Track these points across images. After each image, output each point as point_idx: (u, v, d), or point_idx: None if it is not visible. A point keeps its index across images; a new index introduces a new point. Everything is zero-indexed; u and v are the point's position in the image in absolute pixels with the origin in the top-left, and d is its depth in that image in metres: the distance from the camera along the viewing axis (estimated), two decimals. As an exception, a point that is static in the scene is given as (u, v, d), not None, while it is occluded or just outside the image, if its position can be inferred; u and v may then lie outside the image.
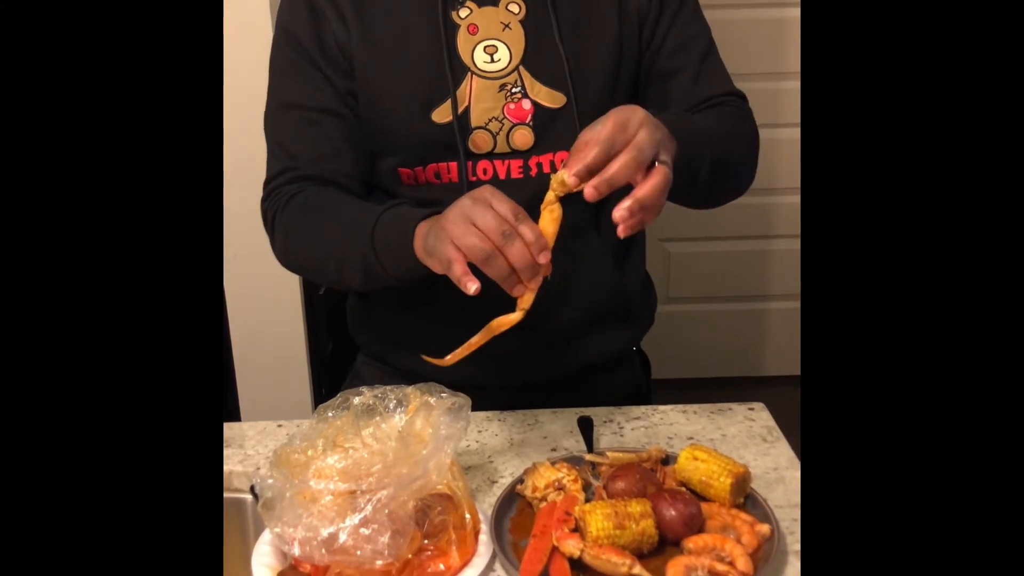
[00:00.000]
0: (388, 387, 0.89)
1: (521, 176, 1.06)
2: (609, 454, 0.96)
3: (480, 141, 1.05)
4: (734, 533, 0.85)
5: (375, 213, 0.96)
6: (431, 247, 0.87)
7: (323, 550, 0.78)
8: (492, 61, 1.05)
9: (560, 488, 0.90)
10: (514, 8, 1.06)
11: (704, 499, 0.89)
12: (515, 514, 0.91)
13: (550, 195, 0.87)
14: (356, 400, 0.88)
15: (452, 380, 0.90)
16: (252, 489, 0.99)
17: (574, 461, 0.95)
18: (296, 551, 0.79)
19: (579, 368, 1.16)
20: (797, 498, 0.93)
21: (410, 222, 0.91)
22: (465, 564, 0.83)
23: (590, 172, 0.84)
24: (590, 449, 1.01)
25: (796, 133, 0.71)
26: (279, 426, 1.11)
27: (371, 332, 1.22)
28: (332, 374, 1.75)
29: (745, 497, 0.90)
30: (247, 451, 1.06)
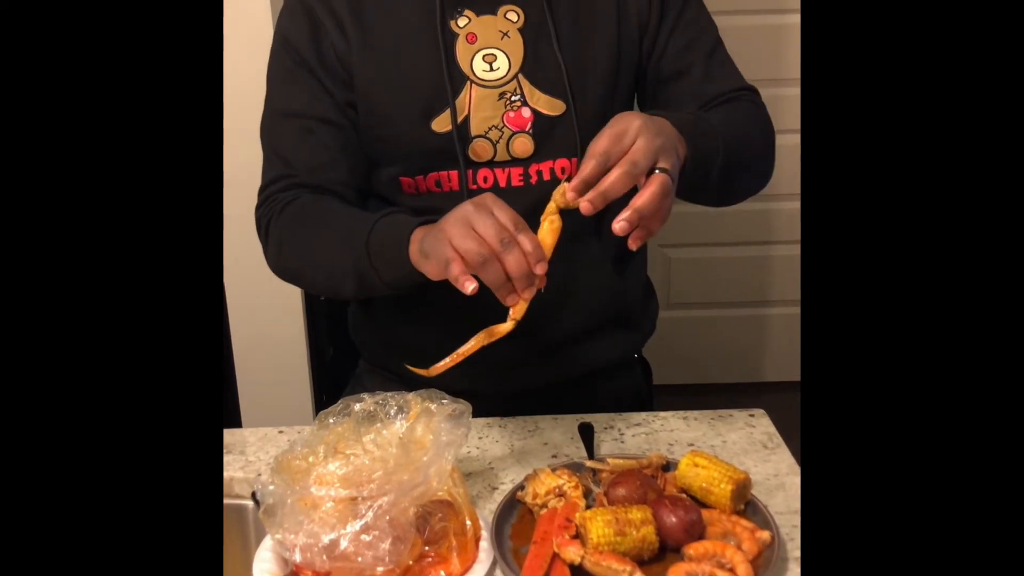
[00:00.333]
0: (389, 393, 0.89)
1: (521, 184, 1.07)
2: (610, 460, 0.96)
3: (480, 150, 1.06)
4: (735, 540, 0.85)
5: (371, 219, 0.96)
6: (428, 248, 0.87)
7: (324, 556, 0.78)
8: (491, 70, 1.05)
9: (561, 495, 0.90)
10: (512, 16, 1.06)
11: (705, 506, 0.89)
12: (516, 520, 0.91)
13: (551, 206, 0.88)
14: (357, 406, 0.88)
15: (453, 387, 0.90)
16: (253, 495, 0.99)
17: (575, 467, 0.95)
18: (297, 557, 0.80)
19: (580, 375, 1.16)
20: (798, 504, 0.93)
21: (406, 228, 0.92)
22: (466, 570, 0.83)
23: (587, 186, 0.85)
24: (591, 455, 1.02)
25: (797, 139, 0.71)
26: (280, 432, 1.11)
27: (372, 337, 1.22)
28: (333, 380, 1.75)
29: (746, 504, 0.90)
30: (248, 457, 1.06)
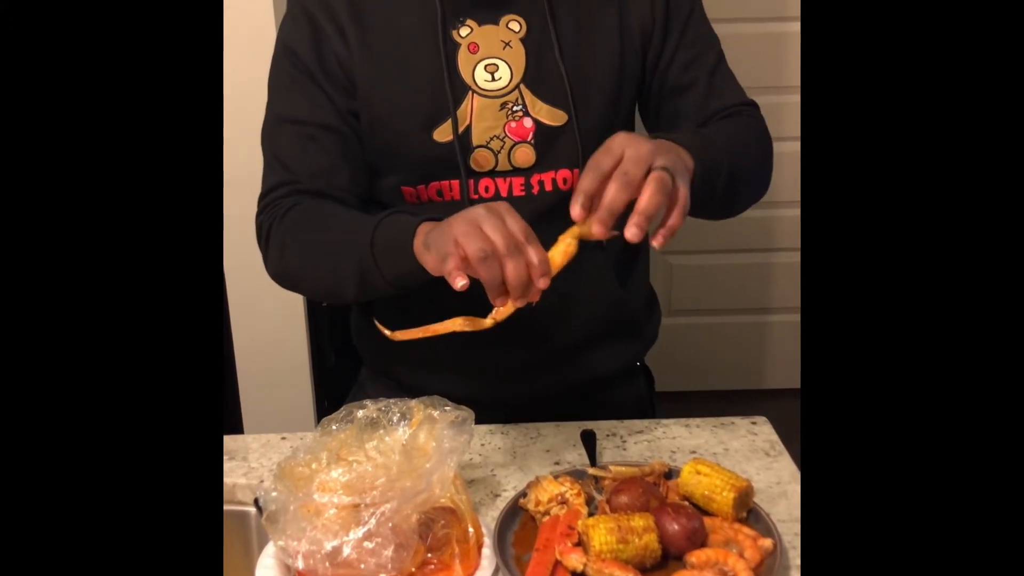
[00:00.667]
0: (392, 400, 0.89)
1: (523, 194, 1.07)
2: (612, 468, 0.96)
3: (481, 159, 1.06)
4: (737, 547, 0.85)
5: (375, 217, 0.96)
6: (432, 240, 0.86)
7: (327, 563, 0.78)
8: (493, 79, 1.05)
9: (563, 502, 0.90)
10: (515, 26, 1.06)
11: (707, 513, 0.89)
12: (518, 528, 0.91)
13: (574, 230, 0.87)
14: (360, 413, 0.88)
15: (456, 394, 0.90)
16: (256, 502, 0.99)
17: (577, 475, 0.95)
18: (300, 564, 0.80)
19: (583, 383, 1.16)
20: (799, 512, 0.93)
21: (412, 223, 0.91)
22: (468, 578, 0.84)
23: (589, 198, 0.85)
24: (593, 463, 1.02)
25: (798, 146, 0.72)
26: (283, 439, 1.12)
27: (374, 344, 1.22)
28: (335, 386, 1.75)
29: (748, 511, 0.90)
30: (251, 464, 1.06)
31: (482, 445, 1.07)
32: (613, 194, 0.84)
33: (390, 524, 0.79)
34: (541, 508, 0.90)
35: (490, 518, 0.92)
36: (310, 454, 0.84)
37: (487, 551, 0.86)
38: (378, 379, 1.22)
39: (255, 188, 1.13)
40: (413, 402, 0.89)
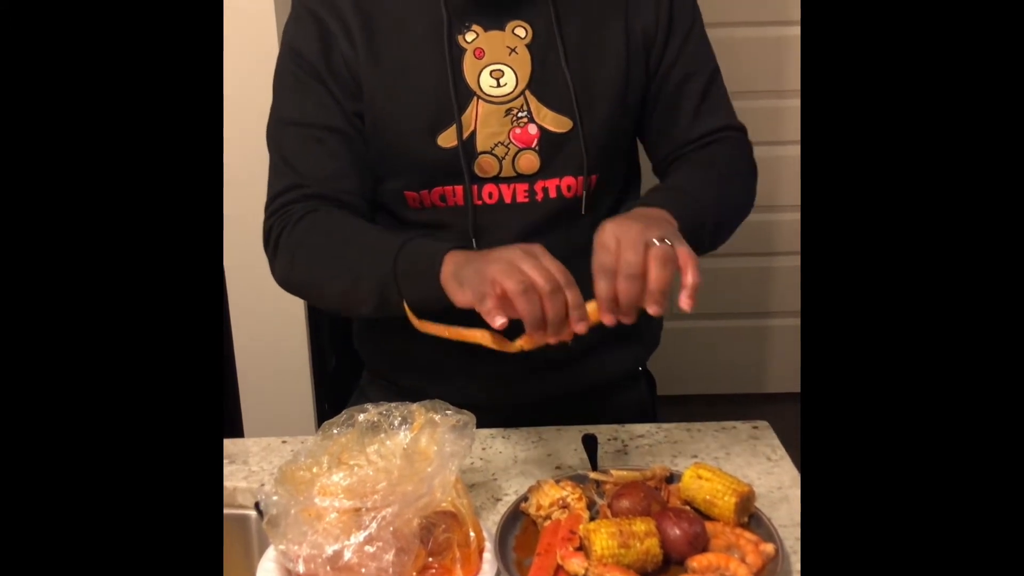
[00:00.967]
0: (393, 404, 0.89)
1: (527, 200, 1.07)
2: (613, 472, 0.96)
3: (486, 165, 1.06)
4: (738, 552, 0.85)
5: (401, 239, 0.96)
6: (465, 277, 0.87)
7: (328, 567, 0.78)
8: (498, 85, 1.05)
9: (564, 506, 0.90)
10: (520, 32, 1.06)
11: (708, 518, 0.89)
12: (519, 532, 0.91)
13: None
14: (361, 417, 0.88)
15: (457, 399, 0.90)
16: (257, 506, 0.99)
17: (578, 479, 0.95)
18: (301, 568, 0.80)
19: (585, 388, 1.16)
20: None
21: (439, 250, 0.92)
22: (469, 582, 0.83)
23: (613, 303, 0.86)
24: (594, 467, 1.01)
25: (798, 150, 0.72)
26: (283, 442, 1.11)
27: (375, 348, 1.22)
28: (335, 389, 1.75)
29: (749, 516, 0.90)
30: (251, 467, 1.06)
31: (483, 449, 1.07)
32: (626, 291, 0.85)
33: (391, 528, 0.79)
34: (542, 512, 0.90)
35: (491, 522, 0.92)
36: (311, 458, 0.84)
37: (488, 555, 0.86)
38: (379, 383, 1.22)
39: (255, 188, 1.12)
40: (414, 406, 0.88)
